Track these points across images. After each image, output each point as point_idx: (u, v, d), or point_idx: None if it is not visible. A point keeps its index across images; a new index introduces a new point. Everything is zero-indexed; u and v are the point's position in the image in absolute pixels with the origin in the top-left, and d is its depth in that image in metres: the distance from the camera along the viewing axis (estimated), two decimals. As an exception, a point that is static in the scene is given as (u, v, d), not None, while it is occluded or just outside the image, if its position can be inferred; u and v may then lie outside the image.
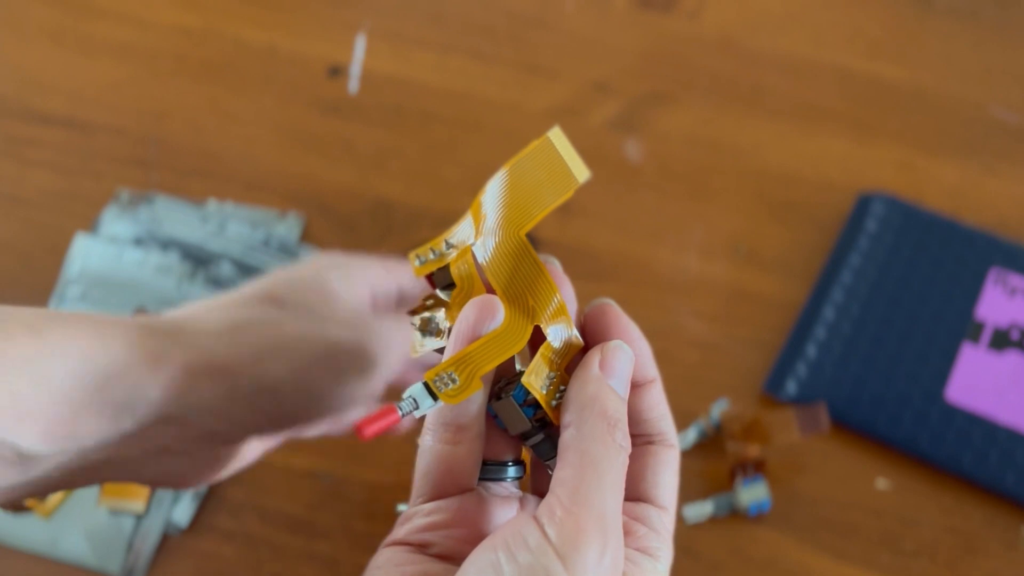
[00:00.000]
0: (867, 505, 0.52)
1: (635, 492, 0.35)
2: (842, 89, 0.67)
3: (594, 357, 0.33)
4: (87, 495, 0.53)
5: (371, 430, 0.32)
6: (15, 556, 0.52)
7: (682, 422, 0.55)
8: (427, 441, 0.34)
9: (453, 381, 0.33)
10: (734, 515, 0.52)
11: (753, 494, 0.51)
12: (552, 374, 0.33)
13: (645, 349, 0.35)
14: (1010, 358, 0.55)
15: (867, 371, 0.55)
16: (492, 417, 0.34)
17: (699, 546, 0.51)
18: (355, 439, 0.55)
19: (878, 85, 0.67)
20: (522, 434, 0.34)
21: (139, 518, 0.52)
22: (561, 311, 0.34)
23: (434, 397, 0.32)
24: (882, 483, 0.53)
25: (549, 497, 0.31)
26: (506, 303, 0.34)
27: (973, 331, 0.56)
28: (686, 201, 0.63)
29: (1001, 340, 0.55)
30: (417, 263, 0.36)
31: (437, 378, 0.32)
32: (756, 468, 0.52)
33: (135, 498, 0.53)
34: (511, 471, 0.35)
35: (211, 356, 0.39)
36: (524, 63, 0.69)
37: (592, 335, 0.35)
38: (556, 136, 0.35)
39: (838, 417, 0.54)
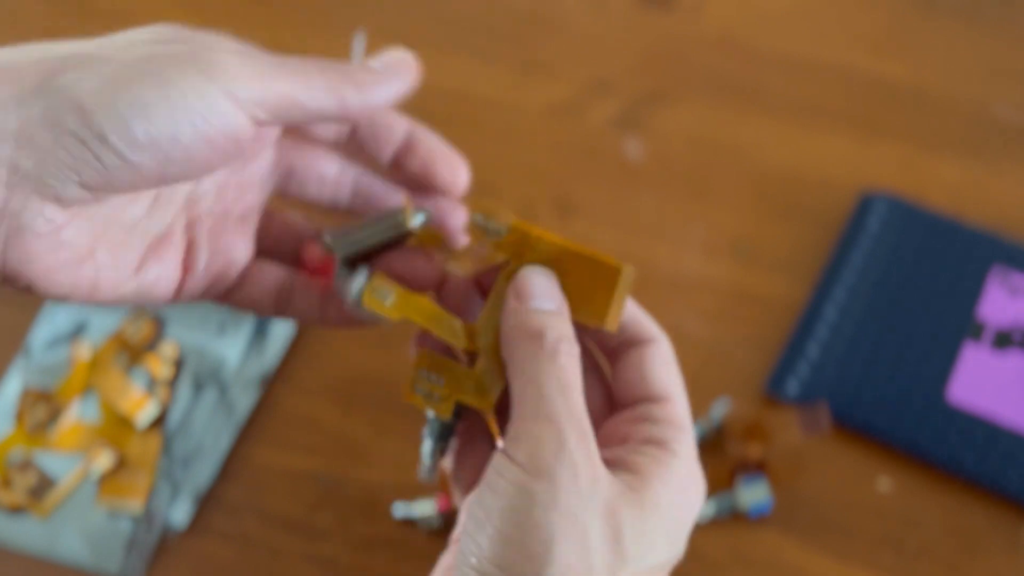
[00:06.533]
0: (869, 506, 0.52)
1: (631, 396, 0.37)
2: (844, 88, 0.67)
3: (509, 294, 0.35)
4: (85, 496, 0.53)
5: (311, 268, 0.39)
6: (12, 558, 0.52)
7: (683, 422, 0.55)
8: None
9: (388, 298, 0.36)
10: (735, 516, 0.52)
11: (754, 495, 0.51)
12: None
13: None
14: (1012, 358, 0.55)
15: (869, 371, 0.55)
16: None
17: (700, 547, 0.51)
18: (354, 441, 0.55)
19: (880, 84, 0.67)
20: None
21: (137, 519, 0.52)
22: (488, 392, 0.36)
23: (360, 296, 0.36)
24: (884, 484, 0.53)
25: (508, 429, 0.33)
26: (478, 337, 0.36)
27: (975, 331, 0.56)
28: (687, 200, 0.63)
29: (1003, 340, 0.55)
30: (479, 220, 0.37)
31: (376, 289, 0.36)
32: (757, 468, 0.52)
33: (133, 498, 0.52)
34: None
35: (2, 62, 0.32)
36: (524, 61, 0.69)
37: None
38: (627, 275, 0.37)
39: (840, 417, 0.53)
